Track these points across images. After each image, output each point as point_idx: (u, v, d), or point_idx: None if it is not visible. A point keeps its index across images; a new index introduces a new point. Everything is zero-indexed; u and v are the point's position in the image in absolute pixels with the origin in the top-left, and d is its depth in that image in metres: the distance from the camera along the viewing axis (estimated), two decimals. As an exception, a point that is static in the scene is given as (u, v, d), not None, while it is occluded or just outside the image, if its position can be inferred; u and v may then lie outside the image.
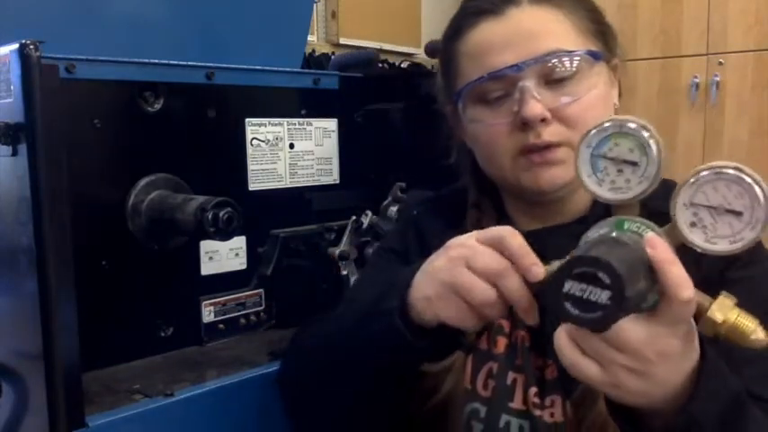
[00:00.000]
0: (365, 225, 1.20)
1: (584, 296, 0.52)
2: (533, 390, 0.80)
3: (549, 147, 0.80)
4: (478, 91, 0.82)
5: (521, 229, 0.87)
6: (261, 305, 1.15)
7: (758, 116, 2.93)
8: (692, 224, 0.59)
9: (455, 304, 0.66)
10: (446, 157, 0.97)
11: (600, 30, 0.84)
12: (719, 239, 0.58)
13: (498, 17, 0.81)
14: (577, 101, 0.80)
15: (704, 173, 0.58)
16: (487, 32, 0.82)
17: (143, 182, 1.02)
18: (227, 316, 1.11)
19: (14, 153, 0.78)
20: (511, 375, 0.82)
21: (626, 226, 0.62)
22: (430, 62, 2.19)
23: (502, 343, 0.84)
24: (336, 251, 1.18)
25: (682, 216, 0.59)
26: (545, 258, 0.73)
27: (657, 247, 0.56)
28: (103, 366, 0.98)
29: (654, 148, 0.61)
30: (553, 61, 0.79)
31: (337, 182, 1.30)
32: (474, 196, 0.93)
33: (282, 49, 1.31)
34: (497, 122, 0.81)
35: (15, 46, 0.77)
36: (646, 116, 0.62)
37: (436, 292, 0.67)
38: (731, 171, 0.58)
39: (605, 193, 0.63)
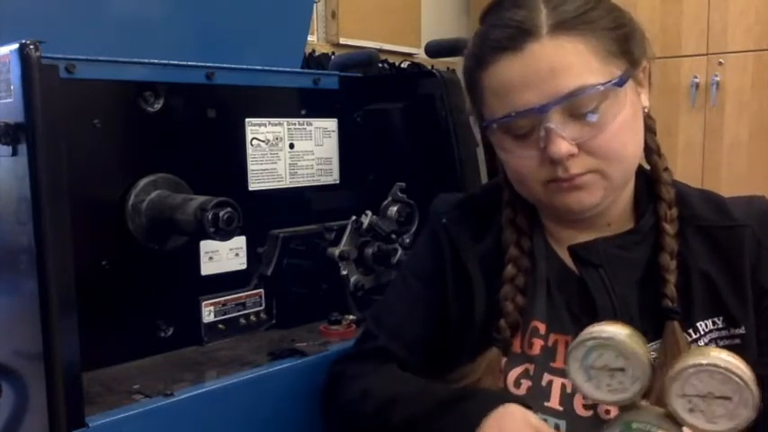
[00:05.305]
0: (365, 225, 1.19)
1: None
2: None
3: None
4: (504, 126, 0.82)
5: (557, 238, 0.92)
6: (261, 305, 1.15)
7: (758, 116, 2.93)
8: (690, 410, 0.63)
9: None
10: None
11: (623, 48, 0.81)
12: (719, 419, 0.63)
13: (517, 53, 0.78)
14: (604, 132, 0.79)
15: (684, 371, 0.63)
16: (508, 70, 0.80)
17: (143, 182, 1.02)
18: (227, 316, 1.11)
19: (14, 153, 0.78)
20: (546, 377, 0.85)
21: (634, 426, 0.66)
22: (430, 62, 2.19)
23: (538, 345, 0.86)
24: (336, 251, 1.18)
25: (678, 405, 0.64)
26: (597, 268, 0.85)
27: None
28: (103, 366, 0.98)
29: (636, 351, 0.65)
30: (576, 99, 0.77)
31: (337, 182, 1.30)
32: (509, 194, 0.92)
33: (282, 49, 1.31)
34: (526, 155, 0.82)
35: (15, 46, 0.77)
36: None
37: None
38: (708, 367, 0.62)
39: (606, 396, 0.67)
